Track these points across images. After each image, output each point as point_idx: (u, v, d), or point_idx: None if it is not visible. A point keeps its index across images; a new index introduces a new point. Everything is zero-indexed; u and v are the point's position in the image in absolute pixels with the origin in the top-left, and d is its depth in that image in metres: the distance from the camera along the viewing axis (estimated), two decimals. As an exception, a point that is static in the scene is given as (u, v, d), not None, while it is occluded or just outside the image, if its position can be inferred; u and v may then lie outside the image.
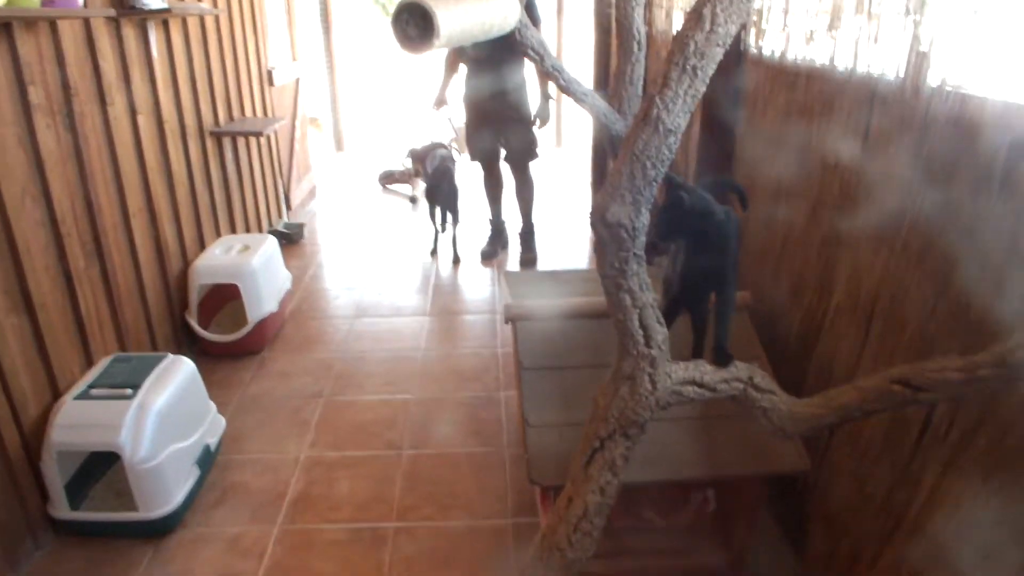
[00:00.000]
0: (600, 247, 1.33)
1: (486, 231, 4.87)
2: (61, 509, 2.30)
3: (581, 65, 5.47)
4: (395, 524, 2.40)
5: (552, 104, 4.47)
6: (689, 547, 2.10)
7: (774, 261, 2.31)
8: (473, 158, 4.55)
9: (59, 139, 2.49)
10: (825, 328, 1.96)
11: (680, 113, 1.27)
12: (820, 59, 2.00)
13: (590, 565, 1.57)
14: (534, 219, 4.71)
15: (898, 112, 1.61)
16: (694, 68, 1.26)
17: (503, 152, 4.47)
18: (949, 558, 1.38)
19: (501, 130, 4.34)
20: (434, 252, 4.75)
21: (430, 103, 4.69)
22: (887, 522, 1.59)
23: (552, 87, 4.41)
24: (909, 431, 1.53)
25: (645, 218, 1.31)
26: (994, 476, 1.26)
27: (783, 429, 1.47)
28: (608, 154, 3.04)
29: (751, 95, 2.52)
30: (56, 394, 2.40)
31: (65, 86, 2.53)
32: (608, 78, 4.81)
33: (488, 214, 4.85)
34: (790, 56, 2.20)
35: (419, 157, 4.82)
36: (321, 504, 2.50)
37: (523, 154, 4.42)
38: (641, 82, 2.82)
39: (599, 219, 1.30)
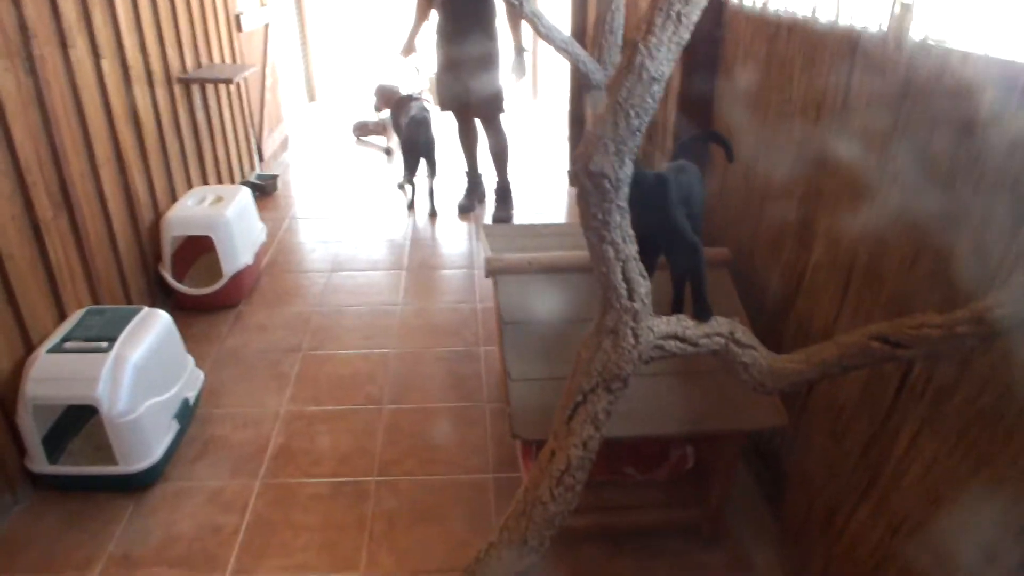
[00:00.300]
0: (582, 198, 1.32)
1: (463, 184, 4.80)
2: (39, 463, 2.28)
3: (558, 14, 5.36)
4: (377, 478, 2.42)
5: (527, 57, 4.39)
6: (668, 502, 2.14)
7: (753, 217, 2.32)
8: (443, 107, 4.47)
9: (19, 83, 2.40)
10: (804, 285, 1.98)
11: (664, 61, 1.25)
12: (802, 10, 1.98)
13: (571, 519, 1.60)
14: (509, 176, 4.62)
15: (880, 66, 1.61)
16: (679, 14, 1.24)
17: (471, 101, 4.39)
18: (924, 514, 1.42)
19: (469, 79, 4.24)
20: (411, 205, 4.70)
21: (399, 51, 4.59)
22: (863, 478, 1.63)
23: (526, 39, 4.36)
24: (887, 388, 1.56)
25: (629, 168, 1.29)
26: (969, 433, 1.29)
27: (763, 384, 1.49)
28: (587, 105, 3.00)
29: (731, 46, 2.50)
30: (29, 347, 2.36)
31: (22, 27, 2.42)
32: (585, 28, 4.73)
33: (464, 166, 4.77)
34: (772, 7, 2.18)
35: (385, 94, 4.84)
36: (302, 458, 2.51)
37: (489, 106, 4.32)
38: (621, 31, 2.78)
39: (582, 169, 1.28)
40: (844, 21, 1.76)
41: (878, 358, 1.26)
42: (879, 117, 1.61)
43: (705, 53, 2.63)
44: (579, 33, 4.66)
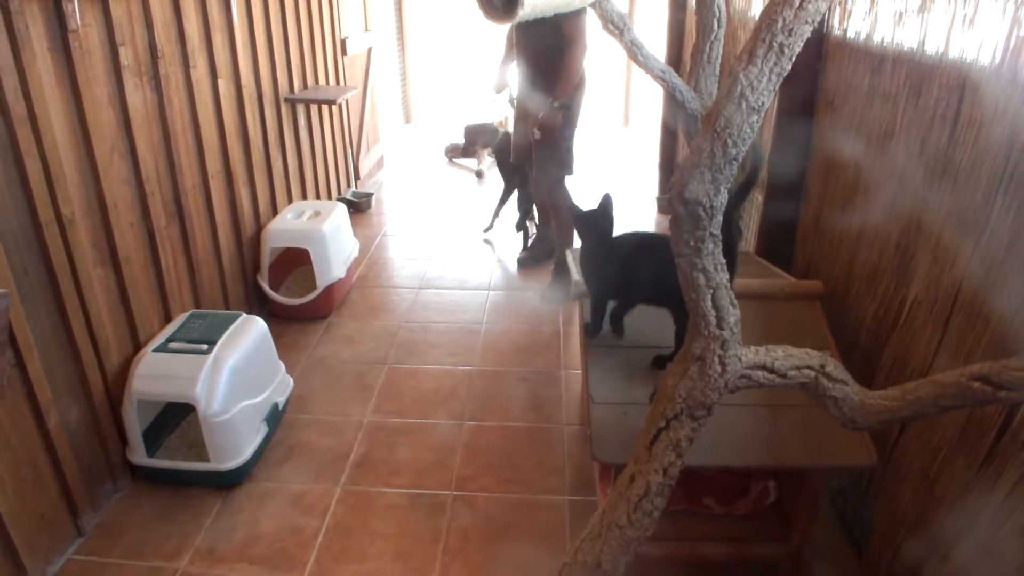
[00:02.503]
0: (675, 225, 1.32)
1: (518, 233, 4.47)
2: (139, 455, 2.42)
3: (654, 44, 5.37)
4: (454, 492, 2.45)
5: (559, 113, 3.54)
6: (746, 536, 2.08)
7: (849, 250, 2.26)
8: (515, 159, 4.06)
9: (145, 99, 2.57)
10: (900, 321, 1.91)
11: (764, 91, 1.25)
12: (908, 42, 1.93)
13: (647, 547, 1.58)
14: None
15: (992, 100, 1.55)
16: (781, 46, 1.23)
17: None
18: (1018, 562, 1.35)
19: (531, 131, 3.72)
20: (488, 228, 4.73)
21: (491, 86, 4.20)
22: (956, 525, 1.55)
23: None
24: (986, 432, 1.48)
25: (723, 197, 1.29)
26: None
27: (853, 420, 1.45)
28: (682, 132, 2.99)
29: (831, 77, 2.45)
30: (137, 346, 2.51)
31: (152, 48, 2.61)
32: (681, 57, 4.73)
33: (527, 218, 4.45)
34: (876, 38, 2.13)
35: (473, 134, 4.80)
36: (382, 468, 2.56)
37: (546, 164, 3.71)
38: (719, 60, 2.77)
39: (677, 196, 1.28)
40: (954, 53, 1.70)
41: (978, 400, 1.21)
42: (989, 153, 1.56)
43: (804, 84, 2.59)
44: (674, 62, 4.66)
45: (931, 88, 1.80)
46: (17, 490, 1.98)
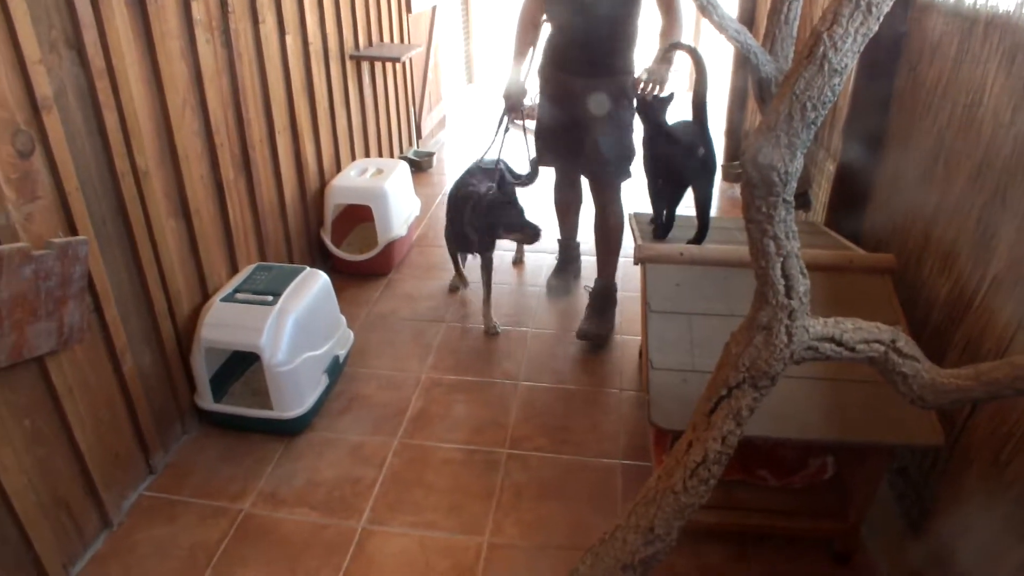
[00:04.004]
0: (747, 190, 1.29)
1: (553, 256, 3.70)
2: (206, 400, 2.51)
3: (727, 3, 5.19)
4: (508, 451, 2.48)
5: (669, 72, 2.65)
6: (801, 511, 2.06)
7: (924, 224, 2.18)
8: (541, 160, 3.20)
9: (216, 54, 2.61)
10: (977, 301, 1.84)
11: (849, 53, 1.20)
12: (1004, 5, 1.83)
13: (701, 515, 1.58)
14: (617, 275, 3.21)
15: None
16: (869, 5, 1.18)
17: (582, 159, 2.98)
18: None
19: (584, 123, 2.87)
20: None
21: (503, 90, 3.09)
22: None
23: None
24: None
25: (799, 162, 1.25)
26: None
27: (922, 399, 1.41)
28: (754, 96, 2.89)
29: (915, 42, 2.34)
30: (206, 295, 2.59)
31: (223, 3, 2.63)
32: (754, 19, 4.57)
33: (556, 233, 3.57)
34: (968, 0, 2.02)
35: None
36: (438, 423, 2.61)
37: (609, 167, 2.90)
38: (796, 22, 2.67)
39: (750, 160, 1.25)
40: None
41: (1061, 383, 1.17)
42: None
43: (885, 48, 2.48)
44: (747, 24, 4.51)
45: (1025, 53, 1.70)
46: (95, 430, 2.07)
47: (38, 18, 1.79)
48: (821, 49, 1.20)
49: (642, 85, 2.57)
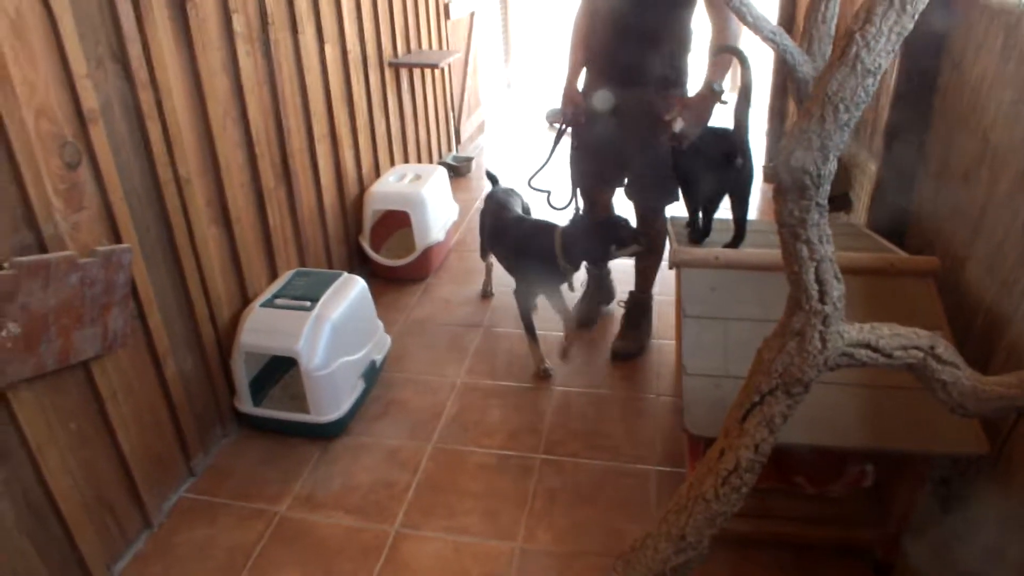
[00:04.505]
0: (780, 194, 1.27)
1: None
2: (245, 404, 2.56)
3: (763, 4, 5.11)
4: (542, 456, 2.48)
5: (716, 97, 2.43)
6: (839, 519, 2.02)
7: (969, 227, 2.11)
8: (576, 182, 2.98)
9: (256, 65, 2.67)
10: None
11: (882, 53, 1.17)
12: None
13: (735, 523, 1.55)
14: (653, 290, 3.08)
15: None
16: (903, 3, 1.15)
17: (623, 180, 2.86)
18: None
19: (627, 143, 2.69)
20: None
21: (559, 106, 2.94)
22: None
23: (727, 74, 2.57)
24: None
25: (833, 165, 1.23)
26: None
27: (963, 406, 1.37)
28: (792, 98, 2.83)
29: (959, 37, 2.28)
30: (246, 301, 2.64)
31: (263, 15, 2.69)
32: (794, 19, 4.50)
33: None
34: (1015, -6, 1.96)
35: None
36: (474, 429, 2.62)
37: (655, 191, 2.74)
38: (835, 21, 2.62)
39: (783, 163, 1.23)
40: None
41: (1107, 391, 1.12)
42: None
43: (927, 46, 2.42)
44: (787, 24, 4.44)
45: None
46: (138, 432, 2.13)
47: (84, 34, 1.86)
48: (854, 49, 1.17)
49: (673, 132, 2.35)
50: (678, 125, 2.34)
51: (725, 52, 2.46)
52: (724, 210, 2.52)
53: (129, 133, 2.05)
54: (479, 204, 4.55)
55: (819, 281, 1.33)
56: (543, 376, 2.89)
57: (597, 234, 2.68)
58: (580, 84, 2.83)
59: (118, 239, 1.99)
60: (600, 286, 3.34)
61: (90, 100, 1.86)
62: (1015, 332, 1.79)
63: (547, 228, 2.80)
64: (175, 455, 2.34)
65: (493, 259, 3.35)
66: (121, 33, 1.98)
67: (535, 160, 3.06)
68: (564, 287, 3.00)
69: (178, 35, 2.22)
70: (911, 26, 1.16)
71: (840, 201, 3.00)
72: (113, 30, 1.96)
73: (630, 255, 2.74)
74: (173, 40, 2.20)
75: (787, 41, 2.39)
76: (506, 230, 2.98)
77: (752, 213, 4.35)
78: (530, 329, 2.90)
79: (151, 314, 2.14)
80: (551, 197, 3.05)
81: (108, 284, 1.91)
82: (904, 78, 2.54)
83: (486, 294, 3.53)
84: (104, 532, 2.03)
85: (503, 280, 3.47)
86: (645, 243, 2.69)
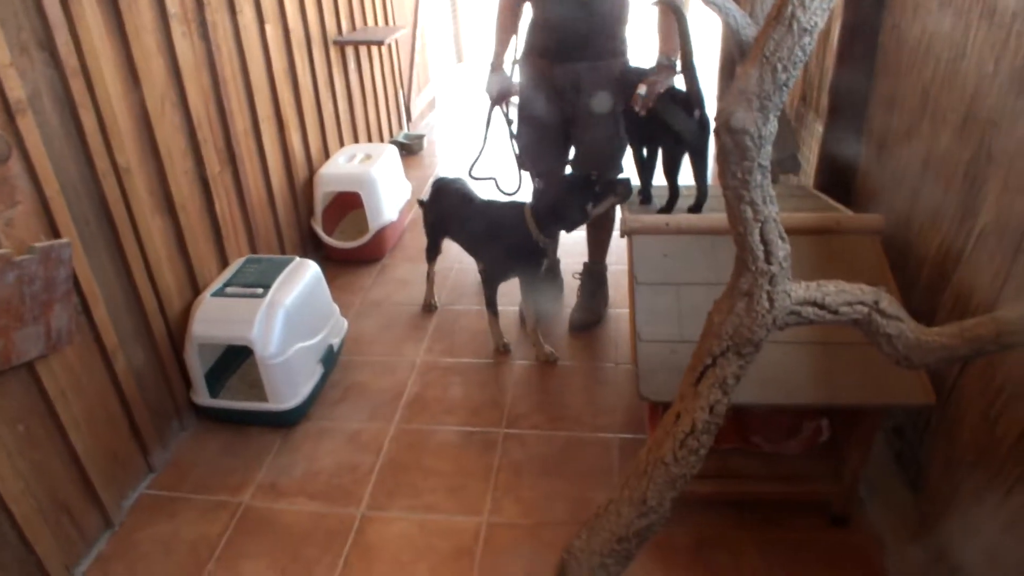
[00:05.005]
0: (722, 156, 1.27)
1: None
2: (202, 396, 2.52)
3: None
4: (505, 430, 2.49)
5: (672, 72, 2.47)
6: (797, 475, 2.06)
7: (913, 182, 2.15)
8: (523, 165, 2.93)
9: (194, 47, 2.59)
10: (965, 255, 1.82)
11: (817, 11, 1.17)
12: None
13: (696, 485, 1.57)
14: (608, 259, 3.11)
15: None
16: (837, -37, 1.16)
17: (569, 153, 2.86)
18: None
19: (571, 116, 2.70)
20: None
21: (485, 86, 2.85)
22: (1018, 466, 1.50)
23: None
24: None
25: (773, 125, 1.23)
26: None
27: (908, 358, 1.40)
28: (737, 63, 2.84)
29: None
30: (196, 291, 2.59)
31: (198, -5, 2.61)
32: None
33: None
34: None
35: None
36: (435, 407, 2.61)
37: (601, 159, 2.71)
38: (776, -16, 2.63)
39: (723, 125, 1.23)
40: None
41: (1043, 336, 1.16)
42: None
43: (868, 4, 2.44)
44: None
45: (1007, 2, 1.67)
46: (91, 430, 2.08)
47: (5, 20, 1.78)
48: (789, 8, 1.17)
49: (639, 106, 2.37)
50: (641, 89, 2.37)
51: (660, 4, 2.44)
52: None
53: (61, 123, 1.98)
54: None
55: (764, 241, 1.34)
56: (503, 351, 2.89)
57: (570, 196, 2.58)
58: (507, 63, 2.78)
59: (56, 234, 1.93)
60: (554, 277, 3.28)
61: (16, 90, 1.79)
62: (958, 283, 1.84)
63: (516, 207, 2.71)
64: (132, 452, 2.29)
65: (437, 268, 3.25)
66: (46, 19, 1.90)
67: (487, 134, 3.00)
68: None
69: (108, 19, 2.14)
70: (845, -16, 1.16)
71: (789, 163, 3.04)
72: (37, 16, 1.88)
73: (611, 207, 2.65)
74: (103, 25, 2.12)
75: (730, 5, 2.39)
76: (471, 217, 2.87)
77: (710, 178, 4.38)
78: (492, 305, 2.85)
79: (96, 309, 2.08)
80: (499, 183, 3.01)
81: (48, 281, 1.86)
82: (847, 37, 2.57)
83: (430, 307, 3.23)
84: (62, 534, 1.99)
85: (467, 257, 3.42)
86: (623, 191, 2.57)
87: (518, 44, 2.77)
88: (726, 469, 2.06)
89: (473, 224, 2.87)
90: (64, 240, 1.92)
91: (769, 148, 1.27)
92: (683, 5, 2.49)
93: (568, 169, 2.85)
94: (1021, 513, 1.49)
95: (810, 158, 2.96)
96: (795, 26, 1.17)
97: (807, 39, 1.19)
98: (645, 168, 2.58)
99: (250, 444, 2.47)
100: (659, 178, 2.53)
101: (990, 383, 1.64)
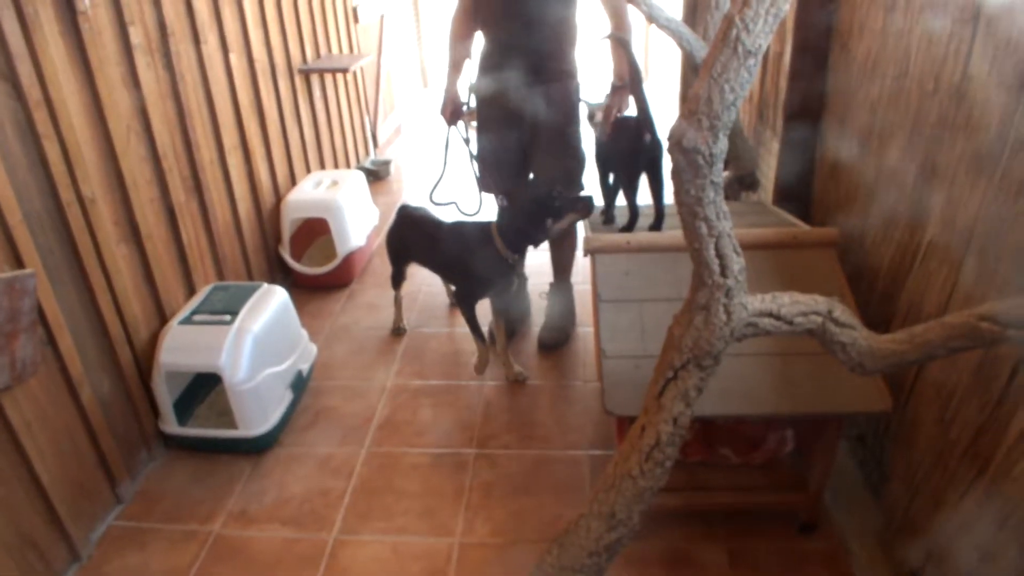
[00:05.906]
0: (676, 175, 1.32)
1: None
2: (170, 424, 2.50)
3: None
4: (475, 451, 2.50)
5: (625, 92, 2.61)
6: (764, 485, 2.10)
7: (866, 196, 2.23)
8: (484, 186, 2.95)
9: (158, 78, 2.60)
10: (916, 265, 1.89)
11: (761, 34, 1.23)
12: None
13: (664, 498, 1.60)
14: (574, 279, 3.18)
15: (1006, 31, 1.51)
16: (778, -16, 1.22)
17: (529, 173, 2.89)
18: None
19: (529, 137, 2.76)
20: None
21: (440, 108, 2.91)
22: (971, 469, 1.55)
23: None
24: (1000, 372, 1.47)
25: (723, 144, 1.28)
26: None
27: (862, 365, 1.45)
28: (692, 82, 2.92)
29: (845, 18, 2.40)
30: (163, 319, 2.58)
31: (161, 26, 2.63)
32: (697, 7, 4.63)
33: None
34: (890, -24, 2.07)
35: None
36: (406, 429, 2.62)
37: (561, 179, 2.69)
38: (727, 8, 2.72)
39: (675, 145, 1.28)
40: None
41: (987, 340, 1.21)
42: (1003, 87, 1.52)
43: (818, 26, 2.53)
44: (690, 14, 4.56)
45: (945, 23, 1.75)
46: (57, 462, 2.06)
47: (-35, 52, 1.78)
48: (734, 32, 1.23)
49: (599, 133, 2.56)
50: (598, 118, 2.56)
51: (611, 39, 2.56)
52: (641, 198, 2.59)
53: (25, 154, 1.98)
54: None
55: (719, 256, 1.39)
56: (519, 380, 2.86)
57: (529, 213, 2.57)
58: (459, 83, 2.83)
59: (20, 264, 1.92)
60: (522, 296, 3.26)
61: (-23, 122, 1.79)
62: (911, 291, 1.90)
63: (483, 226, 2.71)
64: (99, 483, 2.26)
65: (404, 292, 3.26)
66: (8, 50, 1.91)
67: (453, 159, 3.04)
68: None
69: (72, 50, 2.16)
70: (786, 8, 1.22)
71: (748, 179, 3.11)
72: (-1, 47, 1.89)
73: (571, 223, 2.64)
74: (66, 56, 2.13)
75: (683, 28, 2.48)
76: (439, 241, 2.87)
77: (668, 198, 4.46)
78: (475, 328, 2.80)
79: (62, 339, 2.07)
80: (459, 206, 3.03)
81: (12, 311, 1.84)
82: (798, 58, 2.66)
83: (399, 331, 3.24)
84: (28, 569, 1.95)
85: (435, 280, 3.45)
86: (583, 207, 2.56)
87: (474, 69, 2.82)
88: (694, 482, 2.09)
89: (444, 247, 2.88)
90: (28, 270, 1.91)
91: (720, 166, 1.32)
92: (630, 35, 2.59)
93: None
94: (975, 515, 1.54)
95: (769, 174, 3.04)
96: (740, 48, 1.23)
97: (752, 60, 1.24)
98: (608, 190, 2.65)
99: (220, 472, 2.45)
100: (622, 199, 2.59)
101: (942, 388, 1.70)
